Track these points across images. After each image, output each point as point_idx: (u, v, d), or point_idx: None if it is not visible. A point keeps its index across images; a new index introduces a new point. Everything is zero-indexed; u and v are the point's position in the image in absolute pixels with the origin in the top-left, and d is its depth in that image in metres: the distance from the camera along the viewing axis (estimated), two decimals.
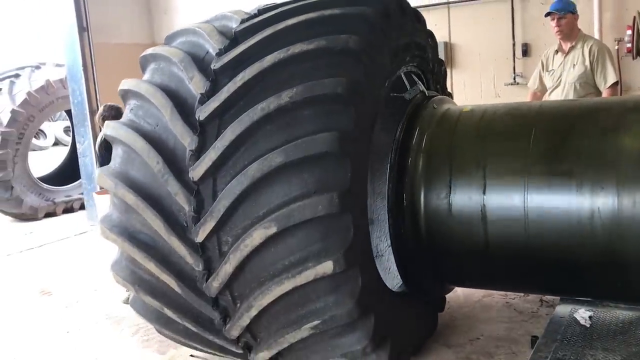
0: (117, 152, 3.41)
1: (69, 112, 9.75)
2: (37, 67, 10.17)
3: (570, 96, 5.37)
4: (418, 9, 3.97)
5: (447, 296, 4.29)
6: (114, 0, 9.15)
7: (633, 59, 6.45)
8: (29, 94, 9.49)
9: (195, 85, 3.15)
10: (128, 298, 5.15)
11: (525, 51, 7.11)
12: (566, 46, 5.50)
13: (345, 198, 2.75)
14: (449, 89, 5.19)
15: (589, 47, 5.36)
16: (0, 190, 9.33)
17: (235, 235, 2.90)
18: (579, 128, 3.25)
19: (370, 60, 3.10)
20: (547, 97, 5.65)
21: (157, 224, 3.07)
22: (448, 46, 7.53)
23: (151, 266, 3.16)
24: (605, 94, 5.30)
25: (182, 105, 3.15)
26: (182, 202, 3.01)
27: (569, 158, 3.14)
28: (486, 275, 3.59)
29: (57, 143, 21.97)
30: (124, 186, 3.19)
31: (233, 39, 3.29)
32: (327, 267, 2.73)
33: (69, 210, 10.21)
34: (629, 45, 6.39)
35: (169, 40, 3.59)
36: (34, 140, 13.26)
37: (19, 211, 9.63)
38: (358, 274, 2.85)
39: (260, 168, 2.79)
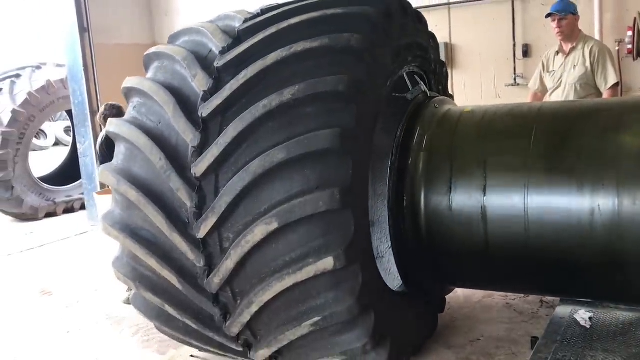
0: (119, 149, 3.42)
1: (69, 112, 9.75)
2: (38, 67, 10.17)
3: (571, 97, 5.37)
4: (419, 10, 3.97)
5: (448, 297, 4.29)
6: (114, 1, 9.16)
7: (634, 60, 6.45)
8: (29, 94, 9.50)
9: (198, 82, 3.17)
10: (128, 298, 5.16)
11: (526, 52, 7.11)
12: (567, 47, 5.50)
13: (346, 194, 2.77)
14: (449, 90, 5.19)
15: (589, 48, 5.37)
16: (0, 190, 9.33)
17: (236, 231, 2.92)
18: (580, 129, 3.25)
19: (373, 59, 3.12)
20: (547, 98, 5.65)
21: (159, 220, 3.09)
22: (449, 47, 7.53)
23: (152, 263, 3.17)
24: (605, 95, 5.30)
25: (185, 103, 3.17)
26: (184, 198, 3.03)
27: (570, 159, 3.14)
28: (486, 276, 3.59)
29: (57, 143, 21.99)
30: (127, 182, 3.21)
31: (236, 37, 3.32)
32: (327, 263, 2.74)
33: (69, 210, 10.21)
34: (630, 46, 6.39)
35: (173, 39, 3.62)
36: (34, 140, 13.28)
37: (20, 211, 9.63)
38: (359, 271, 2.86)
39: (262, 164, 2.81)
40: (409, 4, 3.71)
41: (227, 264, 2.93)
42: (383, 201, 3.70)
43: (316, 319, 2.86)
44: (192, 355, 4.06)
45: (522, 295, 4.59)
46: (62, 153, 13.32)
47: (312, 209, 2.74)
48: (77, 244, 8.00)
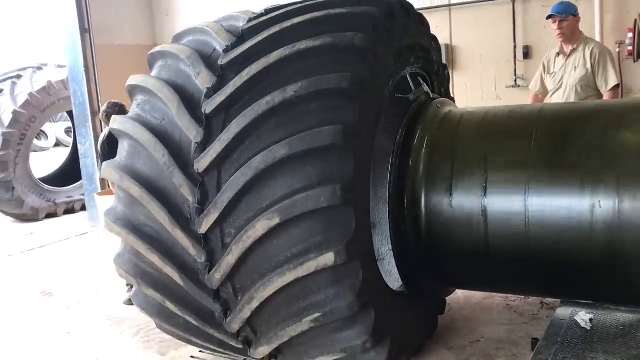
0: (123, 146, 3.45)
1: (70, 113, 9.75)
2: (39, 68, 10.18)
3: (572, 99, 5.37)
4: (420, 11, 3.98)
5: (448, 298, 4.29)
6: (115, 1, 9.16)
7: (634, 61, 6.46)
8: (30, 94, 9.51)
9: (202, 80, 3.20)
10: (129, 299, 5.16)
11: (527, 53, 7.12)
12: (567, 49, 5.50)
13: (347, 191, 2.78)
14: (450, 91, 5.20)
15: (590, 50, 5.37)
16: (1, 191, 9.34)
17: (238, 227, 2.93)
18: (580, 130, 3.25)
19: (375, 58, 3.15)
20: (548, 100, 5.66)
21: (161, 216, 3.10)
22: (449, 48, 7.53)
23: (154, 258, 3.18)
24: (606, 96, 5.30)
25: (188, 100, 3.20)
26: (186, 194, 3.05)
27: (570, 160, 3.14)
28: (487, 278, 3.59)
29: (58, 144, 22.00)
30: (130, 179, 3.23)
31: (240, 36, 3.35)
32: (328, 258, 2.76)
33: (70, 211, 10.21)
34: (630, 48, 6.39)
35: (177, 39, 3.65)
36: (35, 141, 13.29)
37: (20, 212, 9.64)
38: (359, 268, 2.88)
39: (264, 160, 2.83)
40: (411, 6, 3.74)
41: (229, 260, 2.94)
42: (384, 204, 3.71)
43: (316, 315, 2.87)
44: (192, 356, 4.07)
45: (523, 296, 4.59)
46: (63, 154, 13.32)
47: (314, 204, 2.75)
48: (78, 244, 8.00)
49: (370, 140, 3.14)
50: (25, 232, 9.04)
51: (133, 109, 3.47)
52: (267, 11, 3.53)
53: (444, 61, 4.69)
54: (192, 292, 3.14)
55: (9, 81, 9.80)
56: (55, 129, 22.30)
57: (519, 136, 3.37)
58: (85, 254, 7.39)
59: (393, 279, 3.72)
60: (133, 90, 3.50)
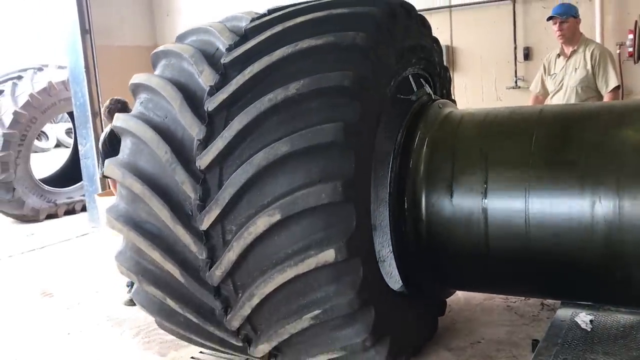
0: (125, 144, 3.46)
1: (71, 114, 9.76)
2: (40, 69, 10.19)
3: (572, 100, 5.37)
4: (421, 12, 3.99)
5: (448, 299, 4.29)
6: (116, 2, 9.16)
7: (635, 63, 6.46)
8: (31, 95, 9.51)
9: (205, 78, 3.21)
10: (129, 300, 5.17)
11: (527, 55, 7.12)
12: (568, 50, 5.51)
13: (348, 187, 2.79)
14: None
15: (590, 51, 5.37)
16: (2, 191, 9.34)
17: (239, 223, 2.94)
18: (580, 131, 3.26)
19: (377, 57, 3.17)
20: (549, 101, 5.66)
21: (163, 213, 3.12)
22: (450, 49, 7.54)
23: (156, 255, 3.19)
24: (606, 98, 5.30)
25: (191, 98, 3.22)
26: (188, 190, 3.06)
27: (570, 161, 3.15)
28: (487, 279, 3.59)
29: (59, 145, 22.00)
30: (132, 176, 3.24)
31: (243, 35, 3.38)
32: (329, 255, 2.76)
33: (70, 212, 10.22)
34: (631, 49, 6.40)
35: (181, 39, 3.67)
36: (36, 142, 13.30)
37: (21, 212, 9.64)
38: (360, 265, 2.88)
39: (266, 157, 2.84)
40: (413, 7, 3.76)
41: (229, 256, 2.95)
42: (385, 206, 3.71)
43: (316, 312, 2.88)
44: (192, 357, 4.07)
45: (523, 298, 4.59)
46: (64, 155, 13.33)
47: (315, 201, 2.76)
48: (78, 245, 8.00)
49: (371, 139, 3.16)
50: (26, 233, 9.04)
51: (136, 107, 3.50)
52: (270, 11, 3.56)
53: (444, 63, 4.70)
54: (193, 289, 3.15)
55: (10, 82, 9.81)
56: (56, 129, 22.31)
57: (520, 137, 3.37)
58: (85, 255, 7.39)
59: (394, 280, 3.73)
60: (136, 89, 3.53)
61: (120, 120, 3.46)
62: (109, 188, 6.18)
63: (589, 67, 5.35)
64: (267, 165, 2.84)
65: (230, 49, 3.31)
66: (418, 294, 3.73)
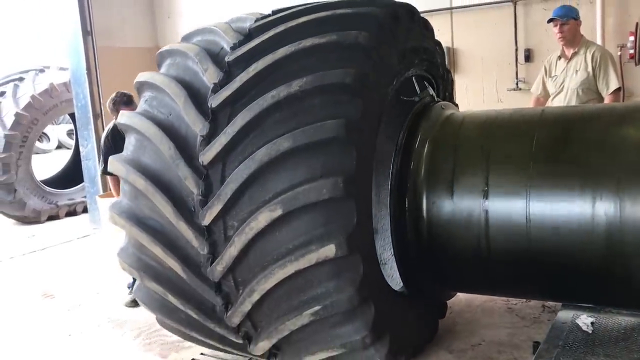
0: (129, 141, 3.49)
1: (72, 116, 9.76)
2: (41, 71, 10.20)
3: (573, 102, 5.37)
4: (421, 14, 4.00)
5: (449, 301, 4.29)
6: (117, 3, 9.17)
7: (635, 64, 6.46)
8: (32, 97, 9.52)
9: (209, 76, 3.25)
10: (130, 301, 5.17)
11: (528, 57, 7.11)
12: (569, 52, 5.51)
13: (349, 183, 2.81)
14: None
15: (591, 53, 5.37)
16: (3, 193, 9.35)
17: (241, 219, 2.95)
18: (581, 133, 3.26)
19: (379, 57, 3.19)
20: (549, 103, 5.66)
21: (166, 209, 3.14)
22: (451, 51, 7.54)
23: (157, 251, 3.21)
24: (607, 100, 5.30)
25: (195, 95, 3.25)
26: (191, 186, 3.08)
27: (571, 163, 3.15)
28: (487, 280, 3.59)
29: (60, 146, 22.00)
30: (135, 172, 3.27)
31: (247, 35, 3.42)
32: (329, 250, 2.77)
33: (71, 213, 10.21)
34: (632, 51, 6.39)
35: (186, 39, 3.72)
36: (37, 144, 13.31)
37: (22, 214, 9.65)
38: (360, 261, 2.89)
39: (268, 153, 2.87)
40: (416, 10, 3.78)
41: (231, 251, 2.97)
42: (386, 209, 3.72)
43: (316, 308, 2.89)
44: (193, 359, 4.07)
45: (524, 299, 4.58)
46: (65, 156, 13.34)
47: (316, 196, 2.78)
48: (79, 247, 8.01)
49: (372, 138, 3.18)
50: (27, 234, 9.04)
51: (141, 105, 3.53)
52: (275, 12, 3.61)
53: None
54: (194, 285, 3.16)
55: (11, 83, 9.82)
56: (57, 131, 22.29)
57: (521, 138, 3.37)
58: (86, 256, 7.39)
59: (394, 282, 3.73)
60: (141, 87, 3.56)
61: (124, 117, 3.49)
62: (110, 190, 6.17)
63: (589, 69, 5.35)
64: (269, 161, 2.87)
65: (234, 47, 3.35)
66: (418, 295, 3.73)
